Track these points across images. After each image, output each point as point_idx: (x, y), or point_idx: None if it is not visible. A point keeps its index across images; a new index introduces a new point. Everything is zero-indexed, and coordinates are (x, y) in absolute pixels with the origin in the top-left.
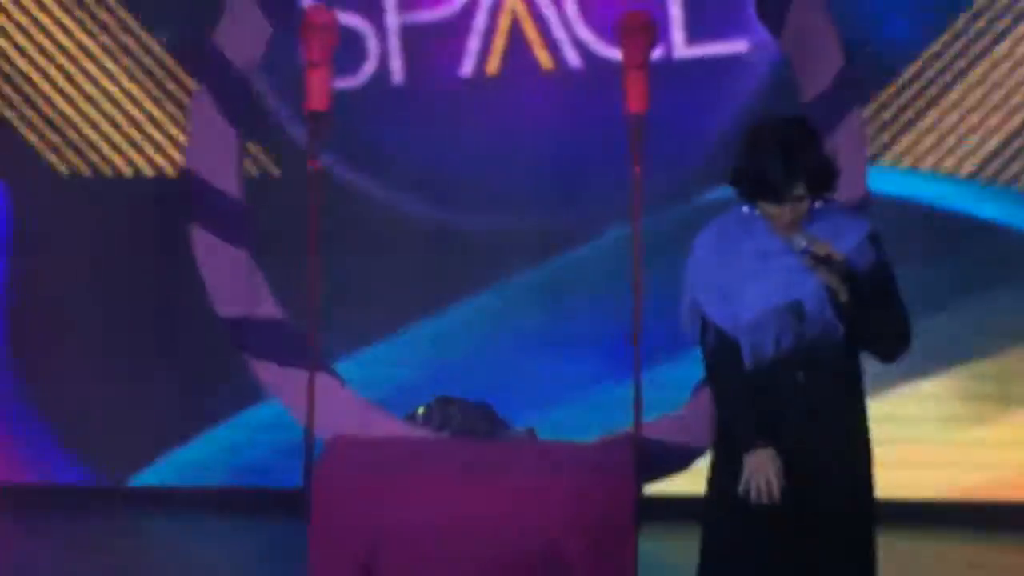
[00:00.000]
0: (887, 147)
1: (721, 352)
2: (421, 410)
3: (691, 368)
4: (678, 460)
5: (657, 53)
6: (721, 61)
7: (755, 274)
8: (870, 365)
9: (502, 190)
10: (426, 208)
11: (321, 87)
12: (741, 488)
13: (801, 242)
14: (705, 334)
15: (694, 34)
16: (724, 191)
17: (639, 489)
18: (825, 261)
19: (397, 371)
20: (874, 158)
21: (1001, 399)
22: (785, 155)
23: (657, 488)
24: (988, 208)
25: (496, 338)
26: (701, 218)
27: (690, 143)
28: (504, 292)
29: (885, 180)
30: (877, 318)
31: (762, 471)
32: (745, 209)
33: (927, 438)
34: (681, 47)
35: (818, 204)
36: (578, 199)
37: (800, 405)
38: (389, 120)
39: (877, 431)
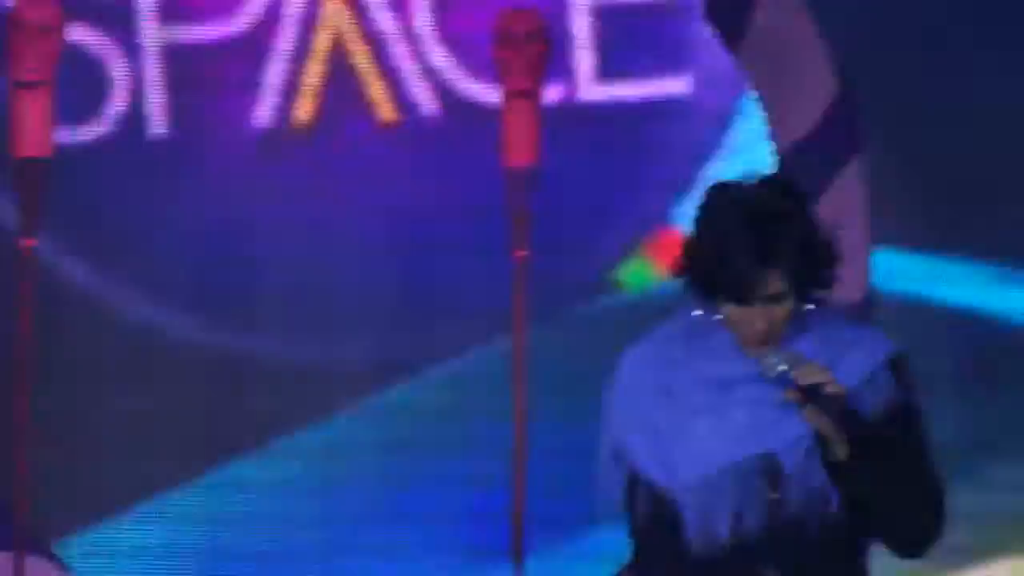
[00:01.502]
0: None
1: (657, 526)
2: None
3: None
4: None
5: (556, 92)
6: (649, 104)
7: (708, 411)
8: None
9: (317, 299)
10: (197, 326)
11: (38, 123)
12: None
13: (779, 364)
14: (633, 498)
15: (610, 67)
16: (664, 287)
17: None
18: (815, 395)
19: (149, 558)
20: (883, 238)
21: None
22: (756, 232)
23: None
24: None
25: (298, 506)
26: (628, 328)
27: (605, 215)
28: (314, 442)
29: (905, 270)
30: (894, 489)
31: None
32: (698, 314)
33: None
34: (590, 85)
35: (807, 308)
36: (431, 306)
37: None
38: (142, 189)
39: None
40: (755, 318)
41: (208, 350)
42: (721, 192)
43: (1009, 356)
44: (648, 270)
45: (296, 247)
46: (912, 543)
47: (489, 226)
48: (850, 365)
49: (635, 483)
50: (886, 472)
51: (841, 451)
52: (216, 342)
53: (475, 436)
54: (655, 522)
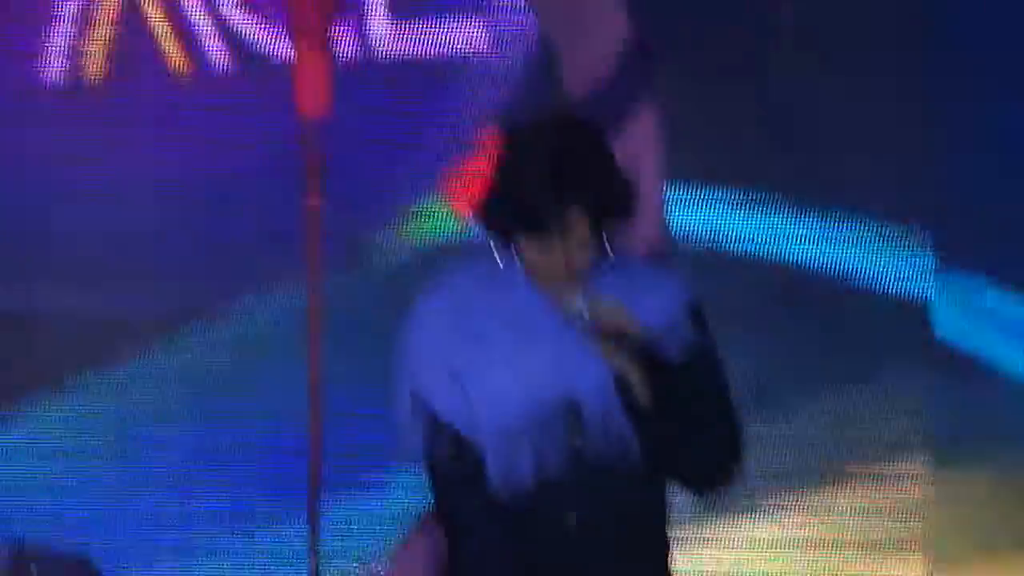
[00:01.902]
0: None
1: (459, 470)
2: None
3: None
4: None
5: (352, 42)
6: (444, 55)
7: (506, 355)
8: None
9: (109, 251)
10: None
11: None
12: None
13: (580, 305)
14: (434, 443)
15: (403, 13)
16: (462, 235)
17: None
18: (616, 337)
19: None
20: (680, 179)
21: None
22: (553, 168)
23: None
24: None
25: (98, 461)
26: (425, 276)
27: (400, 163)
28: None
29: (702, 209)
30: (694, 427)
31: None
32: (497, 257)
33: None
34: (384, 32)
35: (607, 248)
36: (225, 258)
37: (569, 562)
38: None
39: None
40: (555, 256)
41: None
42: (518, 131)
43: (804, 295)
44: (445, 218)
45: (89, 200)
46: (710, 483)
47: (283, 177)
48: (650, 308)
49: (435, 429)
50: (686, 414)
51: (641, 394)
52: (5, 292)
53: (270, 375)
54: (457, 466)
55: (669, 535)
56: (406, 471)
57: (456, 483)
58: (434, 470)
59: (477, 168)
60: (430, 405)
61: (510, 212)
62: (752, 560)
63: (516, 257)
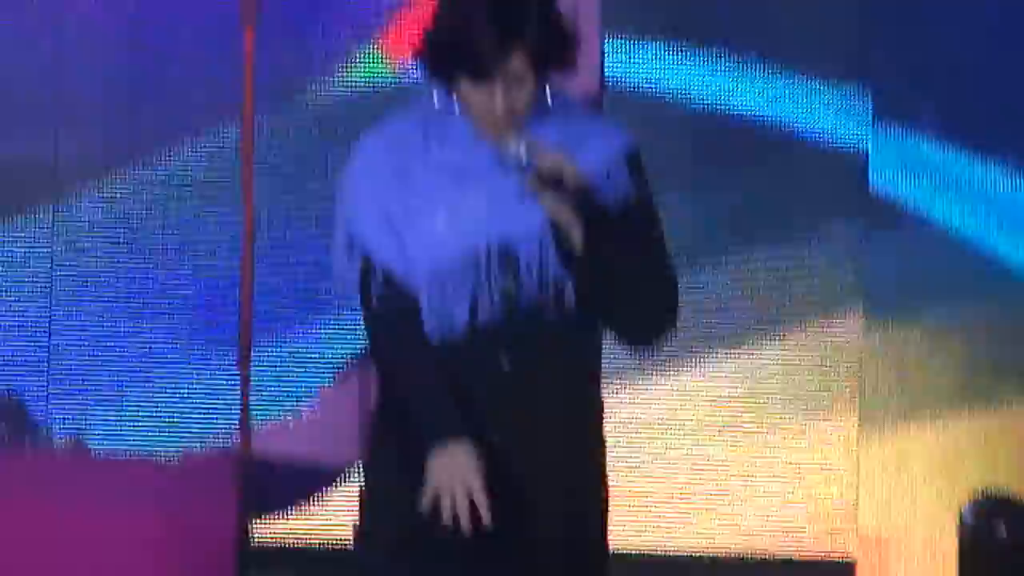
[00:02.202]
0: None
1: (393, 303)
2: None
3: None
4: (304, 485)
5: None
6: None
7: (443, 199)
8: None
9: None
10: None
11: None
12: (425, 503)
13: (517, 149)
14: (368, 284)
15: None
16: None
17: (245, 531)
18: (553, 181)
19: None
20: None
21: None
22: (496, 6)
23: (274, 530)
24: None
25: (25, 305)
26: (360, 118)
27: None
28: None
29: (636, 60)
30: (628, 278)
31: (457, 478)
32: (436, 99)
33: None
34: None
35: (549, 93)
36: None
37: (502, 406)
38: None
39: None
40: (495, 98)
41: None
42: None
43: (739, 145)
44: (383, 60)
45: (27, 39)
46: (645, 335)
47: (219, 20)
48: (588, 155)
49: (369, 271)
50: (621, 262)
51: (577, 239)
52: None
53: (203, 219)
54: (390, 306)
55: (600, 389)
56: (336, 314)
57: (390, 322)
58: (368, 309)
59: (418, 12)
60: (365, 246)
61: (450, 53)
62: (682, 410)
63: (455, 101)
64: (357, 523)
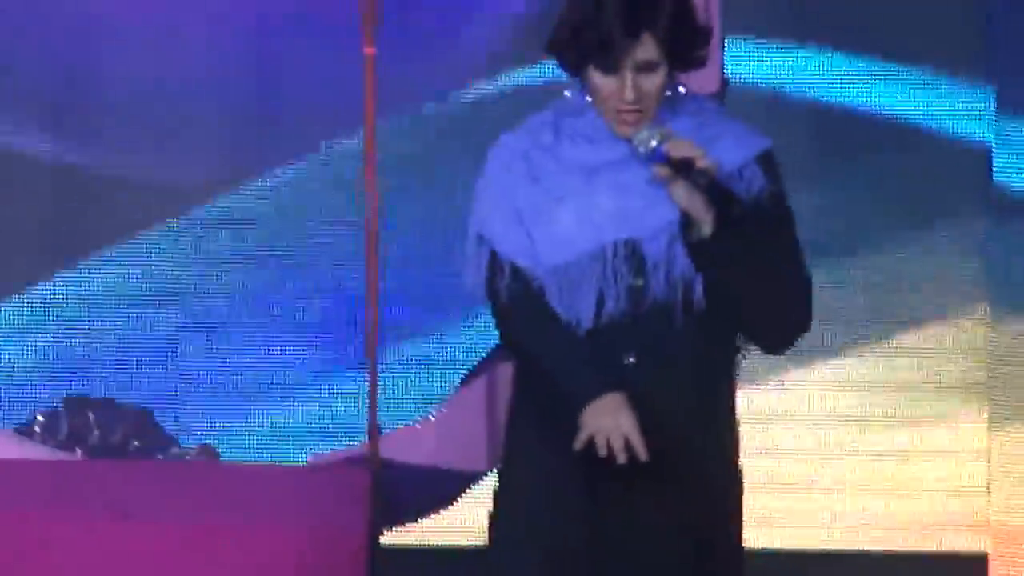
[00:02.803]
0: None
1: (522, 292)
2: (41, 418)
3: (457, 351)
4: (434, 489)
5: None
6: None
7: (572, 196)
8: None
9: (165, 105)
10: (41, 140)
11: None
12: (578, 444)
13: (651, 139)
14: (495, 278)
15: None
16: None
17: (376, 536)
18: (686, 170)
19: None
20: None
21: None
22: None
23: (406, 536)
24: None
25: (154, 314)
26: (486, 124)
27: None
28: (162, 250)
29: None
30: (760, 276)
31: (612, 418)
32: (568, 94)
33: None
34: None
35: (680, 88)
36: (280, 106)
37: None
38: None
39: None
40: (625, 87)
41: (53, 164)
42: None
43: (862, 141)
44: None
45: (144, 57)
46: (776, 336)
47: (339, 26)
48: (720, 155)
49: (496, 266)
50: (752, 260)
51: (707, 231)
52: (60, 156)
53: (324, 237)
54: (520, 294)
55: (733, 390)
56: (464, 317)
57: (522, 308)
58: (497, 302)
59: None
60: (493, 242)
61: (581, 42)
62: (811, 401)
63: (587, 93)
64: (491, 523)
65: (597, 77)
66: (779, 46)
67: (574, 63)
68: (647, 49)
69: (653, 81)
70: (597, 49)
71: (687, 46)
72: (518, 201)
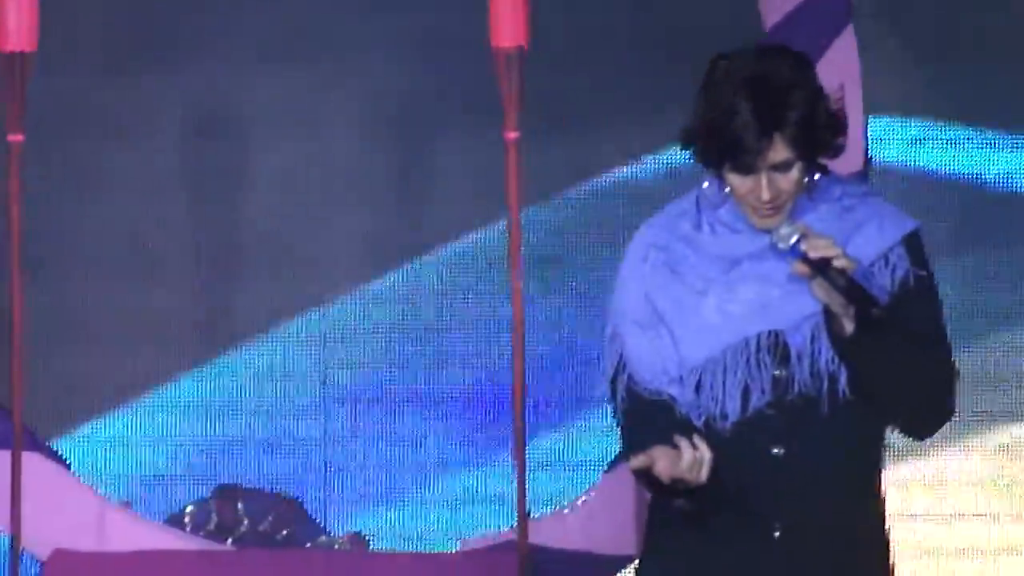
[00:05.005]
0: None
1: (639, 397)
2: (191, 507)
3: (602, 437)
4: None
5: None
6: None
7: (714, 288)
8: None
9: (311, 182)
10: (190, 213)
11: (24, 14)
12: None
13: (790, 235)
14: (618, 380)
15: None
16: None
17: None
18: (823, 268)
19: (148, 449)
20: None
21: None
22: (757, 98)
23: None
24: None
25: (298, 399)
26: (637, 204)
27: (601, 94)
28: (306, 329)
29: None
30: (907, 367)
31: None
32: (707, 186)
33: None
34: None
35: (817, 178)
36: (426, 187)
37: (776, 496)
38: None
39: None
40: (760, 188)
41: (201, 238)
42: (723, 62)
43: (1005, 220)
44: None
45: (290, 130)
46: (922, 423)
47: (481, 107)
48: (864, 241)
49: (622, 367)
50: (896, 349)
51: (848, 326)
52: (209, 229)
53: (472, 317)
54: (637, 399)
55: (880, 478)
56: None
57: (636, 413)
58: (615, 403)
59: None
60: (622, 340)
61: (714, 143)
62: (967, 499)
63: (725, 187)
64: None
65: (733, 177)
66: (919, 123)
67: (707, 161)
68: (779, 151)
69: (788, 179)
70: (730, 152)
71: (820, 140)
72: (658, 299)
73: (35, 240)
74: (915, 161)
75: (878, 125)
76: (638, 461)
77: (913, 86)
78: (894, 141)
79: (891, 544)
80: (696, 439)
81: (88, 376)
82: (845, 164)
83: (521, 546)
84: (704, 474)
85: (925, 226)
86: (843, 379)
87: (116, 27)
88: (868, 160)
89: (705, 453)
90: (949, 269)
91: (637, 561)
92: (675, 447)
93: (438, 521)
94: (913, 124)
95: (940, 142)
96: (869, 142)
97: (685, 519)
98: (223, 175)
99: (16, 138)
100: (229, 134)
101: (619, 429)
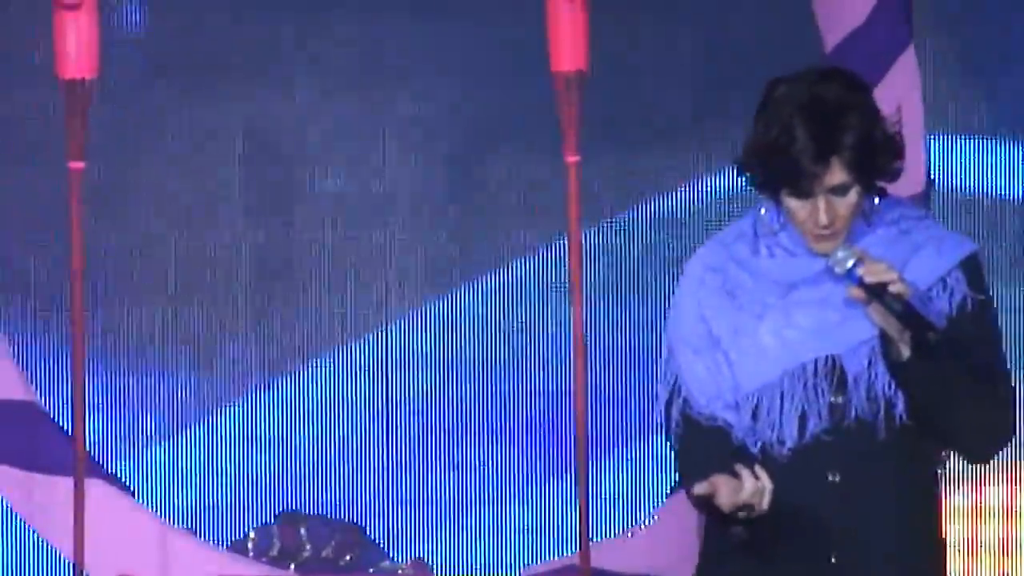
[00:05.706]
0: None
1: (694, 436)
2: (254, 533)
3: (666, 458)
4: None
5: None
6: None
7: (771, 313)
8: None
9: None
10: (247, 239)
11: (83, 43)
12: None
13: (847, 260)
14: (672, 403)
15: None
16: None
17: None
18: (879, 293)
19: (210, 475)
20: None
21: None
22: (814, 122)
23: None
24: None
25: (360, 425)
26: (694, 228)
27: (670, 106)
28: (365, 353)
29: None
30: (962, 392)
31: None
32: (763, 211)
33: None
34: None
35: (875, 201)
36: (484, 212)
37: (833, 522)
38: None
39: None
40: (818, 212)
41: (259, 263)
42: (780, 86)
43: None
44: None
45: (347, 150)
46: (981, 447)
47: (542, 130)
48: (921, 265)
49: (676, 390)
50: (953, 374)
51: (905, 352)
52: (267, 254)
53: (532, 347)
54: (691, 425)
55: (938, 505)
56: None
57: (689, 440)
58: (669, 429)
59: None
60: (678, 365)
61: (772, 167)
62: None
63: (782, 211)
64: None
65: (790, 201)
66: (983, 141)
67: (764, 186)
68: (836, 174)
69: (846, 203)
70: (787, 177)
71: (878, 163)
72: (714, 322)
73: (96, 266)
74: (976, 181)
75: (939, 144)
76: (700, 488)
77: (974, 104)
78: (955, 161)
79: (947, 571)
80: (757, 468)
81: (151, 402)
82: (906, 186)
83: (584, 571)
84: (766, 503)
85: (984, 249)
86: (900, 404)
87: (173, 55)
88: (930, 182)
89: (767, 483)
90: (1008, 292)
91: None
92: (735, 475)
93: (501, 548)
94: (974, 143)
95: (1001, 161)
96: (930, 163)
97: (741, 546)
98: (280, 200)
99: (77, 166)
100: (286, 159)
101: (673, 453)
